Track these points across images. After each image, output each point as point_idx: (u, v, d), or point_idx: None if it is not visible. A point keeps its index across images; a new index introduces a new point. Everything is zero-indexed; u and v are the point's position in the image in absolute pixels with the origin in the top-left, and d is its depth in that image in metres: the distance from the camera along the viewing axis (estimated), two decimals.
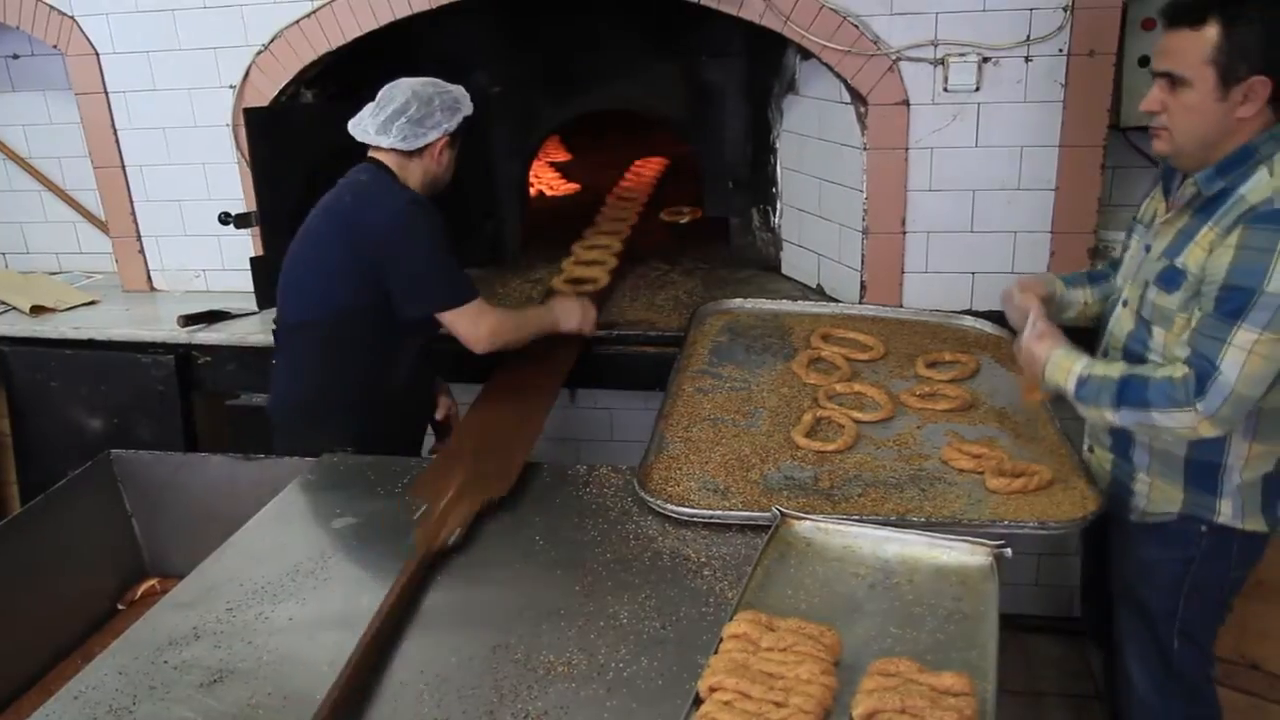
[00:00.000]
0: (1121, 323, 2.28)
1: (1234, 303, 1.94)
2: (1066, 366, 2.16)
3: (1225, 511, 2.17)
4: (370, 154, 2.78)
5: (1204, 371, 1.96)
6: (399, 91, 2.72)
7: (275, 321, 2.86)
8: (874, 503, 2.16)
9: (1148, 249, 2.23)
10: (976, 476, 2.23)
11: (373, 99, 2.76)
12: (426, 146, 2.73)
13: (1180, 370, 2.00)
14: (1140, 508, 2.27)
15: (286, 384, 2.85)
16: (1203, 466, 2.16)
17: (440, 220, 2.70)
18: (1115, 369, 2.10)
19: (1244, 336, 1.92)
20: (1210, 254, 2.00)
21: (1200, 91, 2.00)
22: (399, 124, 2.69)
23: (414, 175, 2.77)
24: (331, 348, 2.74)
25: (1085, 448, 2.43)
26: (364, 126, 2.73)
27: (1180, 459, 2.18)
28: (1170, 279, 2.09)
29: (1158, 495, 2.24)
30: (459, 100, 2.77)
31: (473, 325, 2.71)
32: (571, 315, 3.04)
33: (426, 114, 2.70)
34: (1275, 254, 1.90)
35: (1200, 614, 2.28)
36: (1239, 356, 1.93)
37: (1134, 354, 2.21)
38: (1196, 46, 1.98)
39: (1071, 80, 2.96)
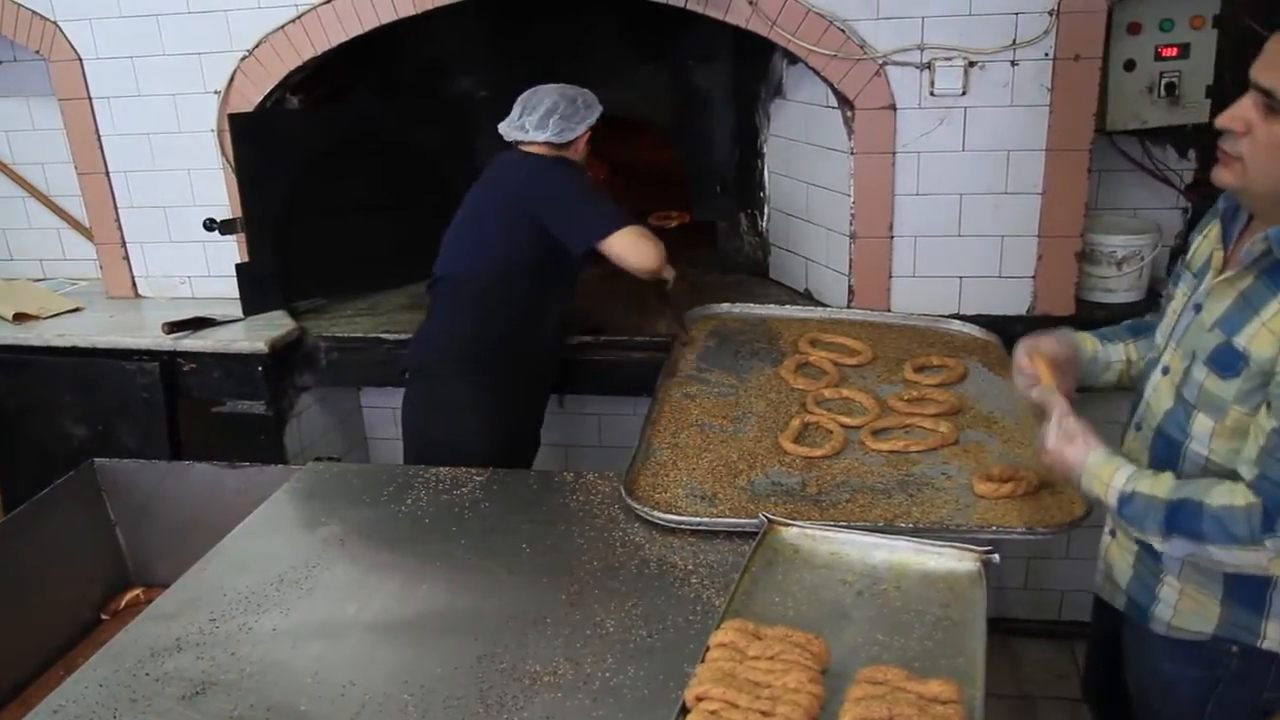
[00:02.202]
0: (1160, 395, 1.86)
1: None
2: (1105, 478, 1.78)
3: (1272, 636, 1.78)
4: (519, 148, 3.02)
5: (1274, 502, 1.58)
6: (545, 95, 2.98)
7: (432, 275, 3.06)
8: (862, 509, 2.15)
9: (1198, 309, 1.79)
10: (965, 482, 2.23)
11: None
12: (573, 140, 2.99)
13: (1243, 498, 1.61)
14: (1166, 619, 1.87)
15: (434, 330, 3.04)
16: (1248, 581, 1.76)
17: (585, 171, 3.01)
18: (1163, 486, 1.71)
19: None
20: None
21: None
22: (554, 120, 2.94)
23: None
24: (484, 301, 2.93)
25: (1106, 529, 2.04)
26: (520, 124, 2.97)
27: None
28: (1226, 362, 1.68)
29: (1189, 608, 1.84)
30: (593, 101, 3.04)
31: (635, 247, 2.85)
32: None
33: (573, 111, 2.97)
34: None
35: None
36: None
37: (1171, 439, 1.82)
38: None
39: (1057, 84, 2.96)
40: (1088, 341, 2.12)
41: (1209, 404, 1.73)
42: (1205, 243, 1.87)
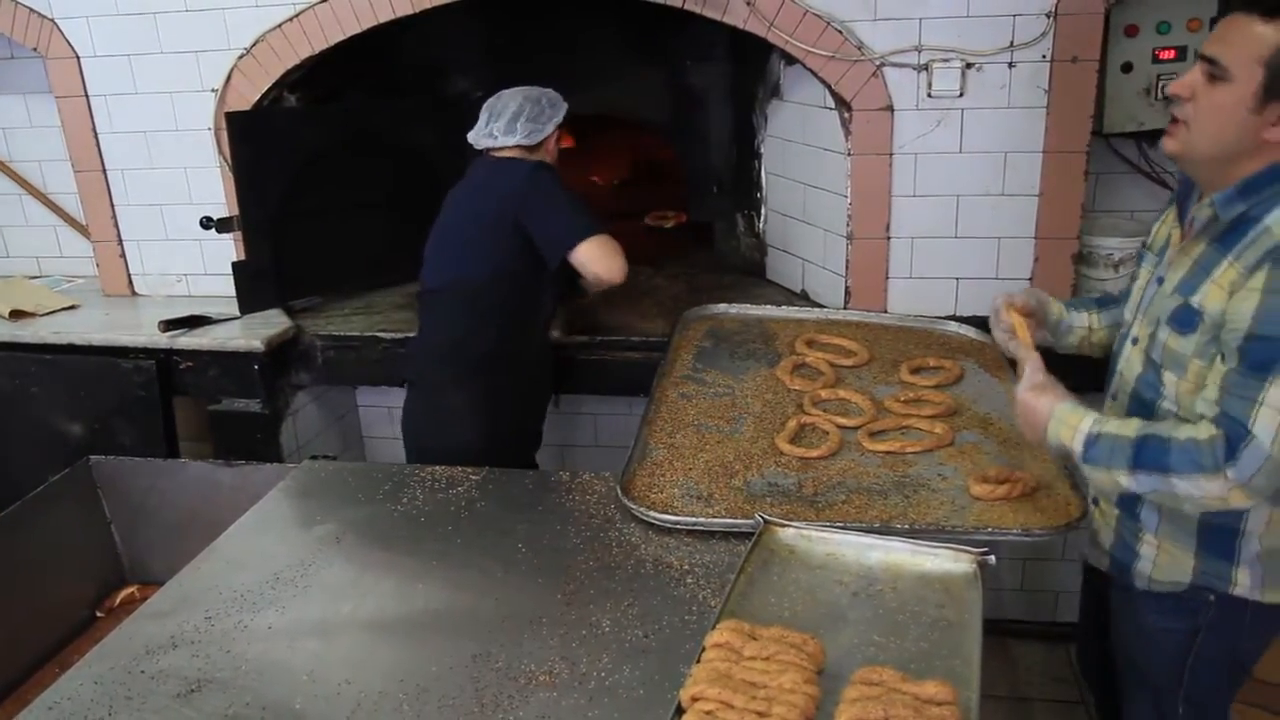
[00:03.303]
0: (1131, 363, 2.04)
1: (1263, 355, 1.70)
2: (1073, 424, 1.91)
3: (1242, 582, 1.94)
4: (491, 154, 3.02)
5: (1235, 434, 1.71)
6: (510, 99, 2.99)
7: (420, 286, 3.08)
8: (858, 510, 2.15)
9: (1160, 281, 1.98)
10: (961, 483, 2.23)
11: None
12: (543, 141, 3.01)
13: (1206, 431, 1.76)
14: (1146, 574, 2.04)
15: (428, 339, 3.05)
16: (1218, 531, 1.93)
17: (561, 177, 2.97)
18: (1130, 427, 1.85)
19: (1277, 394, 1.69)
20: (1231, 296, 1.76)
21: (1237, 93, 1.74)
22: (520, 123, 2.96)
23: None
24: (475, 307, 2.94)
25: (1090, 498, 2.15)
26: (488, 132, 2.98)
27: (1193, 521, 1.94)
28: (1185, 320, 1.86)
29: (1166, 561, 2.00)
30: (558, 100, 3.05)
31: (601, 257, 2.84)
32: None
33: (539, 111, 2.98)
34: None
35: (1209, 683, 2.07)
36: (1273, 418, 1.69)
37: (1145, 400, 1.99)
38: (1257, 40, 1.72)
39: (1055, 86, 2.96)
40: (1054, 305, 2.30)
41: (1172, 361, 1.90)
42: (1164, 226, 2.08)
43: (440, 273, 3.00)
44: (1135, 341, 2.04)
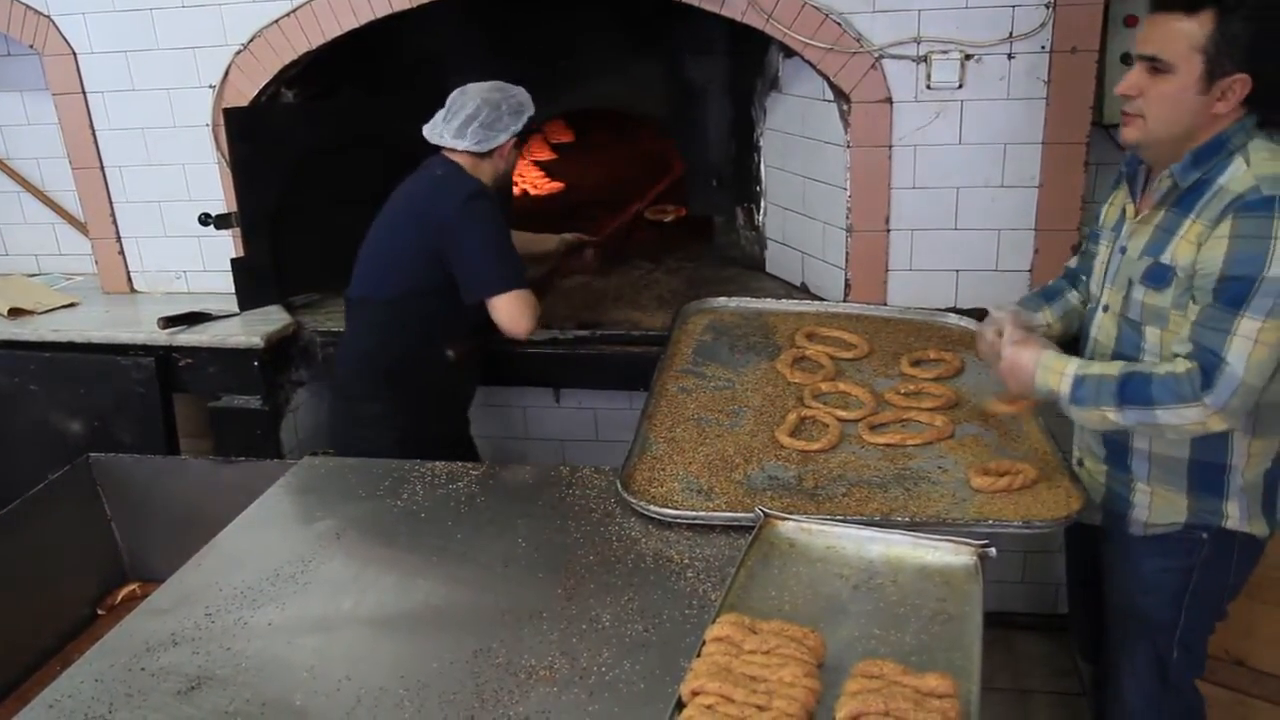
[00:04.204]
0: (1105, 329, 2.22)
1: (1234, 292, 1.90)
2: (1059, 369, 2.09)
3: (1232, 514, 2.13)
4: (444, 152, 2.97)
5: (1209, 364, 1.91)
6: (470, 98, 2.91)
7: (346, 295, 3.08)
8: (858, 503, 2.15)
9: (1124, 250, 2.16)
10: (961, 475, 2.22)
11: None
12: (497, 148, 2.94)
13: (1183, 365, 1.94)
14: (1142, 520, 2.21)
15: (347, 348, 3.08)
16: (1207, 469, 2.11)
17: (500, 213, 2.91)
18: (1113, 367, 2.04)
19: (1248, 325, 1.88)
20: (1200, 247, 1.96)
21: (1182, 81, 1.96)
22: (472, 129, 2.89)
23: (485, 173, 2.96)
24: (389, 320, 2.93)
25: (1074, 461, 2.34)
26: (439, 132, 2.93)
27: (1183, 463, 2.12)
28: (1158, 276, 2.05)
29: (1161, 504, 2.18)
30: (523, 104, 2.97)
31: (512, 314, 2.84)
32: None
33: (496, 118, 2.90)
34: (1271, 240, 1.87)
35: (1199, 622, 2.24)
36: (1245, 346, 1.88)
37: (1127, 358, 2.14)
38: (1187, 33, 1.93)
39: (1054, 77, 2.96)
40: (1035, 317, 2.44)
41: (1153, 316, 2.08)
42: (1113, 206, 2.27)
43: (361, 283, 2.99)
44: (1107, 309, 2.21)
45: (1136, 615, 2.28)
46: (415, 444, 2.84)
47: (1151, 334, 2.09)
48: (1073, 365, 2.08)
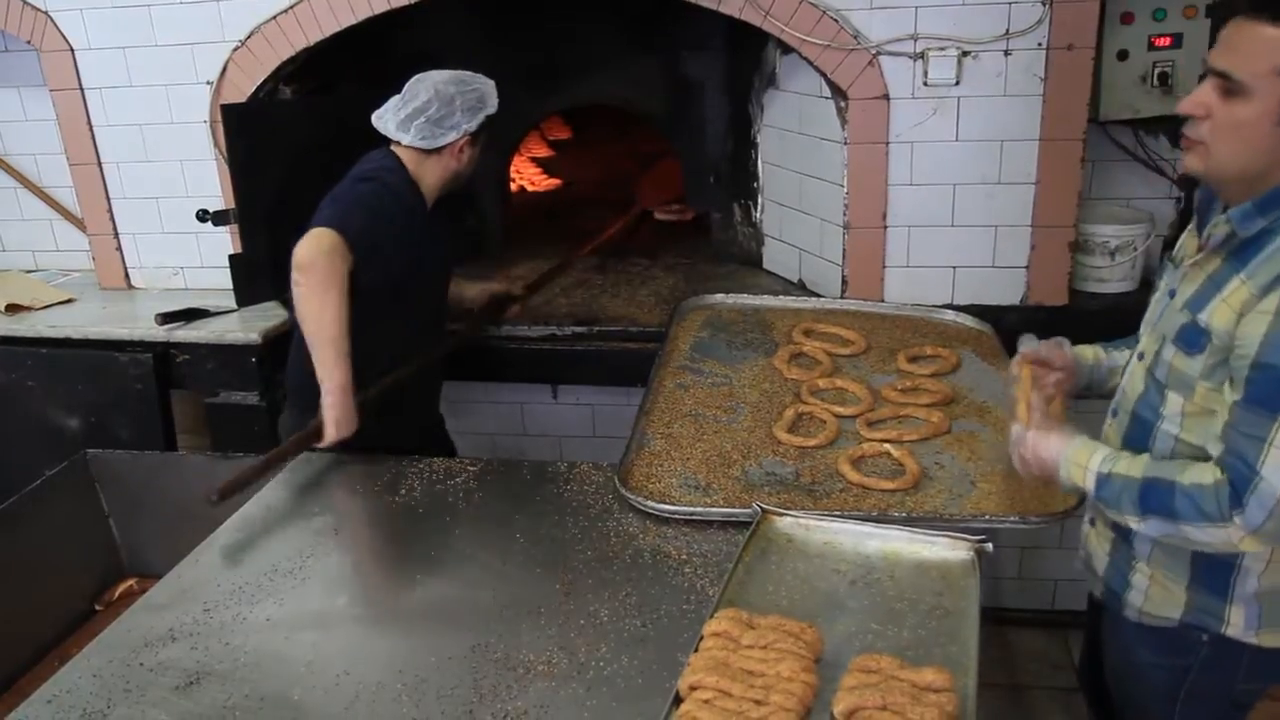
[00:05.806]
0: (1134, 380, 1.92)
1: (1269, 388, 1.59)
2: (1082, 464, 1.82)
3: (1235, 621, 1.81)
4: (391, 144, 2.73)
5: (1240, 478, 1.61)
6: (423, 88, 2.67)
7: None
8: (855, 498, 2.15)
9: (1172, 294, 1.84)
10: (958, 471, 2.23)
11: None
12: (445, 147, 2.68)
13: (1211, 475, 1.65)
14: (1137, 605, 1.92)
15: (291, 352, 2.82)
16: (1212, 564, 1.80)
17: (382, 201, 2.62)
18: (1138, 465, 1.75)
19: None
20: (1241, 319, 1.64)
21: (1260, 107, 1.59)
22: (418, 124, 2.65)
23: (431, 171, 2.72)
24: (301, 338, 2.66)
25: (1086, 519, 2.08)
26: (385, 121, 2.69)
27: (1186, 552, 1.82)
28: (1191, 340, 1.73)
29: (1158, 593, 1.89)
30: (483, 99, 2.71)
31: (306, 241, 2.55)
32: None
33: (446, 114, 2.65)
34: None
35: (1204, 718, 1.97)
36: None
37: (1143, 420, 1.87)
38: (1272, 49, 1.57)
39: (1051, 74, 2.96)
40: (1087, 350, 2.14)
41: (1178, 382, 1.78)
42: (1190, 236, 1.89)
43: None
44: (1141, 357, 1.91)
45: (1132, 704, 2.07)
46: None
47: (1174, 400, 1.79)
48: (1097, 459, 1.81)
